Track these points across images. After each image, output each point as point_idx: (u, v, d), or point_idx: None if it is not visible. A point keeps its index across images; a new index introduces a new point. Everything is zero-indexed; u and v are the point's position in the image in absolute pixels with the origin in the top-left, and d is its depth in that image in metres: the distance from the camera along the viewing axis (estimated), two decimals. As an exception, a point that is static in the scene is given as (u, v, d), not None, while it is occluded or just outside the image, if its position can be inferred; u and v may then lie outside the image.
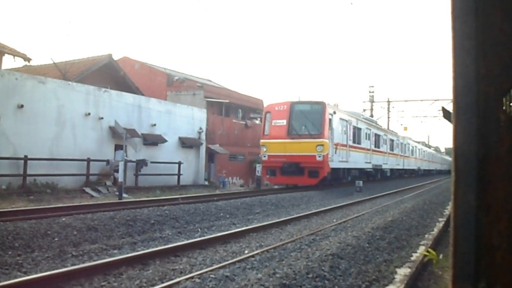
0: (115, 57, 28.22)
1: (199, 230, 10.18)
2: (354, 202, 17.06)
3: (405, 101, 50.44)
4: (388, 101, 51.74)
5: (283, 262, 6.65)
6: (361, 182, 23.90)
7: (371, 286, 5.58)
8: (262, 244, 8.55)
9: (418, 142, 57.67)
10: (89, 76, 24.49)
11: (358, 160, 27.32)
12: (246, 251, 7.79)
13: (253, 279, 5.51)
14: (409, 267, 6.48)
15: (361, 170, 29.03)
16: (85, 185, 19.14)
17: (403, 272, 6.23)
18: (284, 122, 22.08)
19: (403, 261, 6.94)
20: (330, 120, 22.14)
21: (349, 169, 26.29)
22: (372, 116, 49.02)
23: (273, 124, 22.43)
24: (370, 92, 51.72)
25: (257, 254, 7.32)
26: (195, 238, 8.97)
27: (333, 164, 22.42)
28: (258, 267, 6.42)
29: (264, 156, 22.61)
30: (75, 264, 6.52)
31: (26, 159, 17.16)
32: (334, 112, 22.93)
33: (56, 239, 7.94)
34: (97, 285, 5.62)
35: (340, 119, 24.07)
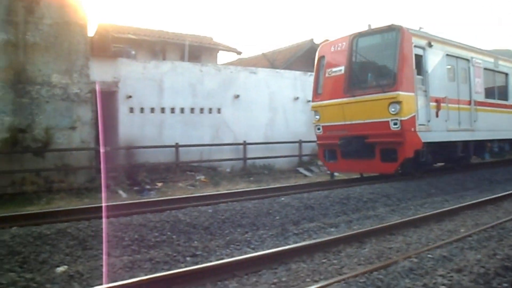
0: (316, 41, 28.94)
1: (412, 207, 9.98)
2: None
3: None
4: None
5: (503, 242, 6.22)
6: None
7: None
8: (478, 222, 8.10)
9: None
10: (294, 62, 25.64)
11: (497, 125, 16.25)
12: (462, 230, 7.46)
13: (472, 260, 5.28)
14: None
15: (510, 142, 17.68)
16: (298, 165, 20.24)
17: None
18: (341, 69, 13.23)
19: None
20: (418, 57, 12.61)
21: (478, 142, 15.35)
22: None
23: (327, 75, 13.75)
24: None
25: (474, 233, 6.95)
26: (409, 216, 8.83)
27: (432, 136, 12.77)
28: (477, 247, 6.11)
29: (318, 129, 13.94)
30: (296, 242, 6.99)
31: (245, 144, 18.91)
32: (429, 44, 13.01)
33: (277, 217, 8.50)
34: (318, 262, 5.93)
35: (447, 55, 13.84)
